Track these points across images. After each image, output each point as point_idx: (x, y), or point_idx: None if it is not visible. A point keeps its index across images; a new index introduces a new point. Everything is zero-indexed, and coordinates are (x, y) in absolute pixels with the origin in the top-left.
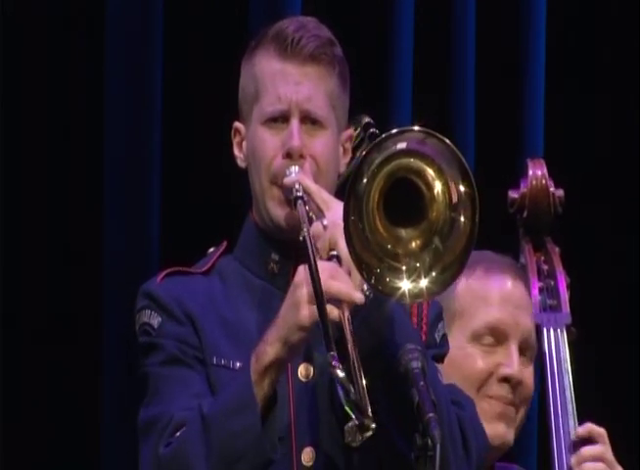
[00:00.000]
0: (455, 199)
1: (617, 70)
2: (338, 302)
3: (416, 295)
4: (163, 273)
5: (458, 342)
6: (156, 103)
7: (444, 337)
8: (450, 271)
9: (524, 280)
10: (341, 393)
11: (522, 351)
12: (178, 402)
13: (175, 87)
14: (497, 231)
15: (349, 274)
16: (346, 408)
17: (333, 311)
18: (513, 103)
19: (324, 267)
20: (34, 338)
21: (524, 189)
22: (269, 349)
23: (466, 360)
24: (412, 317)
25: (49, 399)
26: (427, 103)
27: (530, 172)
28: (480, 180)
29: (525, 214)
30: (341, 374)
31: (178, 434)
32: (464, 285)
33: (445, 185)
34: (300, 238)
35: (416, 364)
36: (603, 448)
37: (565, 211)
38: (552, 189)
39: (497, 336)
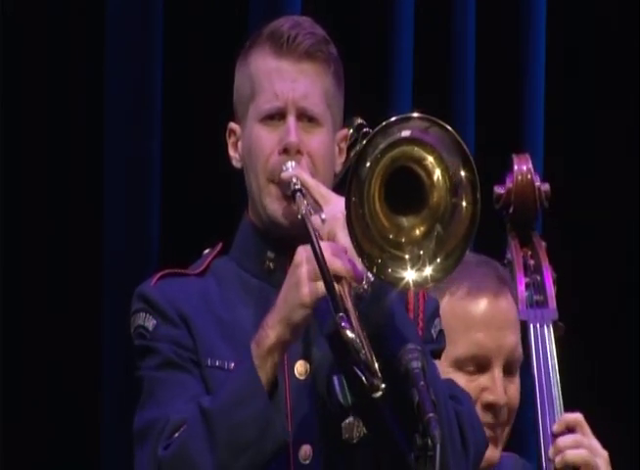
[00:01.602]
0: (456, 184)
1: (616, 70)
2: (339, 278)
3: (420, 283)
4: (158, 275)
5: (440, 367)
6: (156, 103)
7: (441, 333)
8: (453, 257)
9: (509, 290)
10: (339, 392)
11: (507, 369)
12: (174, 406)
13: (175, 87)
14: (497, 230)
15: None
16: (355, 369)
17: (335, 286)
18: (513, 103)
19: (325, 245)
20: (34, 337)
21: (509, 184)
22: (271, 332)
23: None
24: (408, 313)
25: (49, 398)
26: (427, 103)
27: (516, 167)
28: (480, 180)
29: (511, 210)
30: (350, 334)
31: (177, 434)
32: (447, 305)
33: (445, 171)
34: (299, 216)
35: (416, 364)
36: (578, 437)
37: (565, 210)
38: (538, 183)
39: (480, 363)
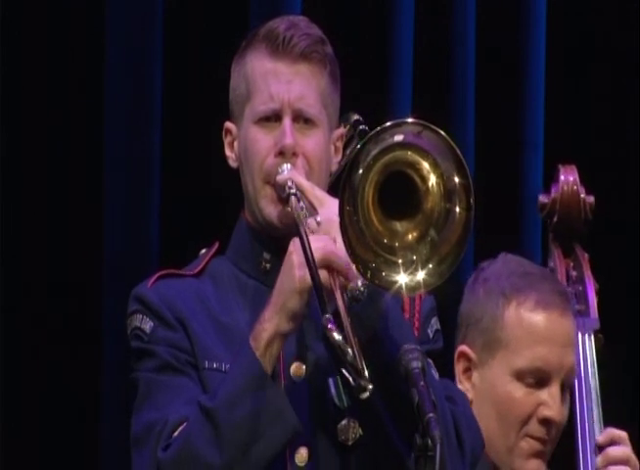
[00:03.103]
0: (450, 190)
1: (616, 69)
2: (329, 268)
3: (413, 288)
4: (155, 276)
5: (500, 373)
6: (156, 103)
7: (438, 332)
8: (447, 263)
9: (571, 309)
10: (334, 394)
11: (562, 388)
12: (172, 409)
13: (175, 87)
14: (497, 230)
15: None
16: (343, 371)
17: (324, 274)
18: (513, 102)
19: (316, 237)
20: (34, 338)
21: (555, 194)
22: (267, 325)
23: (507, 398)
24: (404, 313)
25: (49, 399)
26: (427, 103)
27: (562, 178)
28: (480, 180)
29: (555, 219)
30: (337, 336)
31: (176, 434)
32: (513, 314)
33: (440, 177)
34: (288, 208)
35: (416, 364)
36: (628, 450)
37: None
38: (583, 195)
39: (541, 377)
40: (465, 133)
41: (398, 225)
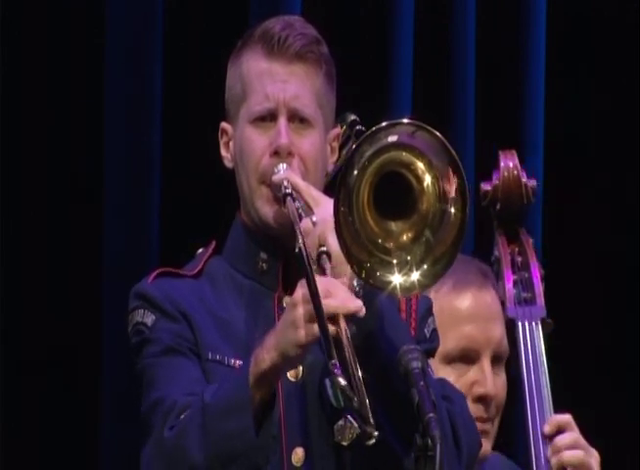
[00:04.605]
0: (445, 191)
1: (617, 69)
2: (335, 317)
3: (407, 288)
4: (154, 273)
5: (431, 363)
6: (156, 103)
7: (434, 331)
8: (441, 264)
9: (491, 284)
10: (331, 395)
11: (494, 361)
12: (179, 386)
13: (175, 87)
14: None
15: (340, 269)
16: (348, 416)
17: (330, 328)
18: (513, 102)
19: (323, 284)
20: (34, 337)
21: (495, 181)
22: (267, 356)
23: None
24: (401, 313)
25: (49, 399)
26: (427, 103)
27: (502, 164)
28: (480, 179)
29: (498, 207)
30: (343, 382)
31: (182, 417)
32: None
33: (435, 177)
34: (296, 250)
35: (416, 364)
36: (575, 435)
37: (564, 209)
38: (524, 179)
39: (469, 355)
40: (465, 133)
41: (393, 226)
